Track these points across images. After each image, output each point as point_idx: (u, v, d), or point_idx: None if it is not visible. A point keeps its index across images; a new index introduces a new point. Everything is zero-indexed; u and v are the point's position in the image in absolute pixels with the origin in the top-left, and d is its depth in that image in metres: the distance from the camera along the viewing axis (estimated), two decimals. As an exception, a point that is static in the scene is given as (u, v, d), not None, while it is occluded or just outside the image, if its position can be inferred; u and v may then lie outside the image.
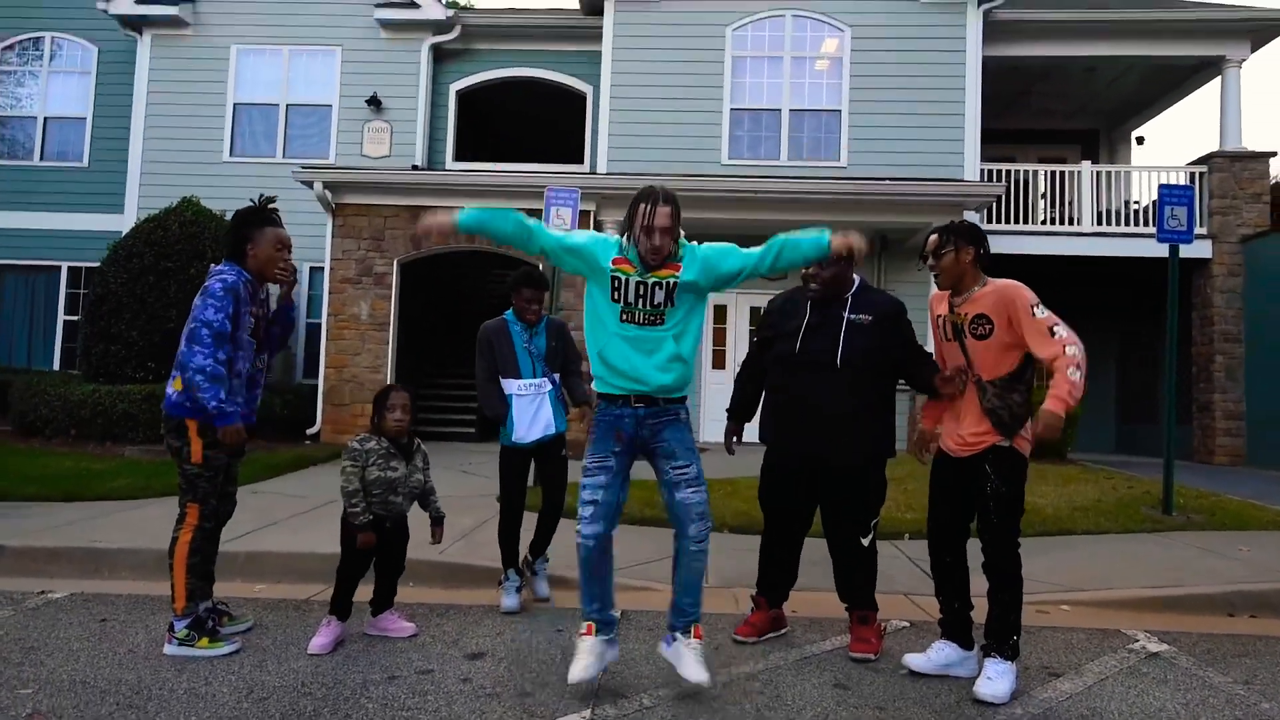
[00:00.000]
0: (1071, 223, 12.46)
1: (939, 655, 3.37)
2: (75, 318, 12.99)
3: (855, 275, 3.64)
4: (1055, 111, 15.14)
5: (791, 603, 3.89)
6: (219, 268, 3.48)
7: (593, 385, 3.20)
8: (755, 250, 3.11)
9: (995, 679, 3.14)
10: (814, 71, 12.02)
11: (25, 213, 13.28)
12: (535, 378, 4.19)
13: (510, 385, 4.17)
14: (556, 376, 4.31)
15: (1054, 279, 13.07)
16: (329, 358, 10.71)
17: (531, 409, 4.16)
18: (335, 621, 3.54)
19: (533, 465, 4.32)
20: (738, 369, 4.08)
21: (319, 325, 11.55)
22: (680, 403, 3.13)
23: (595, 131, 12.63)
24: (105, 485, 6.48)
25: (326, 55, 13.00)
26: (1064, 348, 3.07)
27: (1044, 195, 13.23)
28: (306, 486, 6.93)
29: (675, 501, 3.03)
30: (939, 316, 3.44)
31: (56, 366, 12.95)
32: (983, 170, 11.87)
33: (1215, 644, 3.89)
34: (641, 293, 2.99)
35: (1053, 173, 12.80)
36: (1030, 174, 12.66)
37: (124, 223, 12.49)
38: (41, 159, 13.55)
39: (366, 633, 3.65)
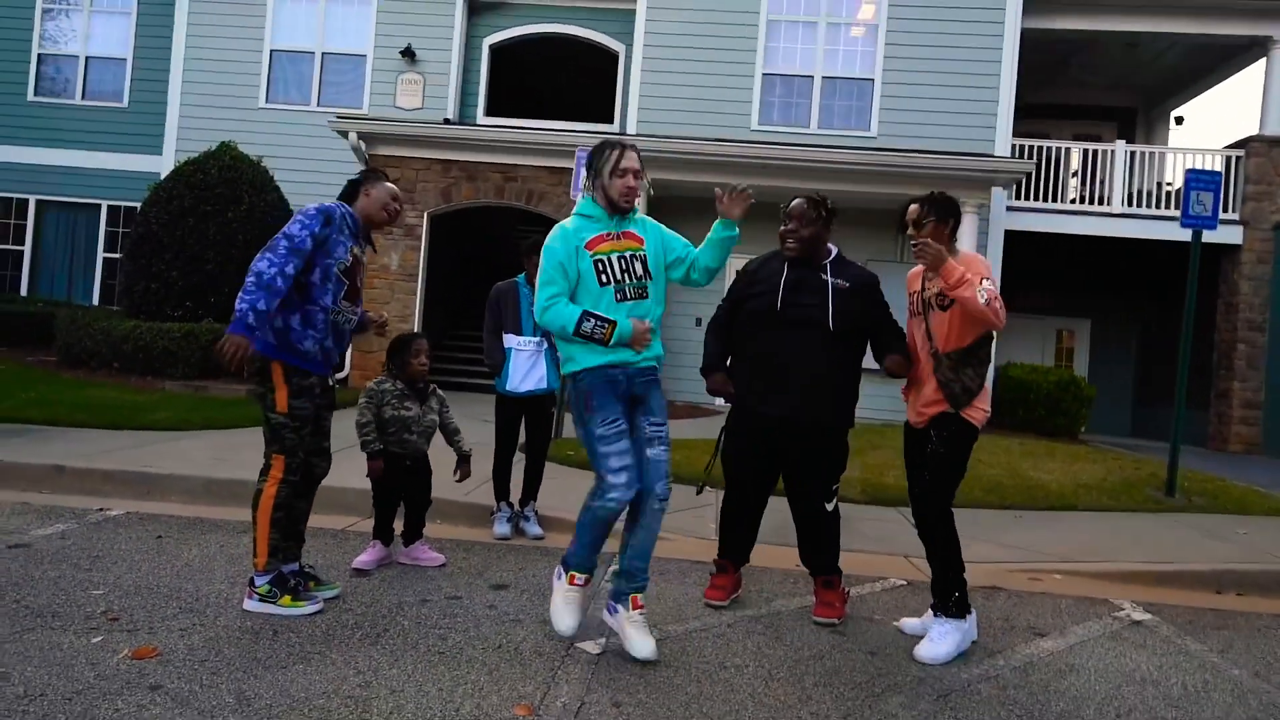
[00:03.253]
0: (1102, 202, 12.39)
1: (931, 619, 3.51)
2: (114, 255, 13.36)
3: (831, 246, 3.68)
4: (1093, 86, 14.92)
5: (794, 556, 4.10)
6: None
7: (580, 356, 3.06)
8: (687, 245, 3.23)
9: (936, 640, 3.24)
10: (849, 38, 11.93)
11: (66, 150, 13.58)
12: (535, 336, 4.60)
13: (511, 340, 4.62)
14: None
15: (1080, 257, 13.17)
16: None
17: (528, 364, 4.61)
18: (379, 544, 3.92)
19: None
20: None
21: (349, 273, 11.82)
22: (659, 365, 3.20)
23: (626, 91, 12.65)
24: (148, 416, 6.82)
25: (363, 4, 13.03)
26: (982, 285, 3.13)
27: (1075, 173, 13.14)
28: (339, 427, 7.21)
29: (645, 458, 3.04)
30: (913, 293, 3.53)
31: (96, 301, 13.34)
32: (1015, 146, 11.80)
33: (1197, 616, 4.09)
34: (624, 266, 3.04)
35: (1086, 151, 12.70)
36: (1063, 151, 12.56)
37: (162, 164, 12.73)
38: (83, 98, 13.79)
39: (399, 561, 3.95)
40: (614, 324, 2.97)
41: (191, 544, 4.01)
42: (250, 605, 3.16)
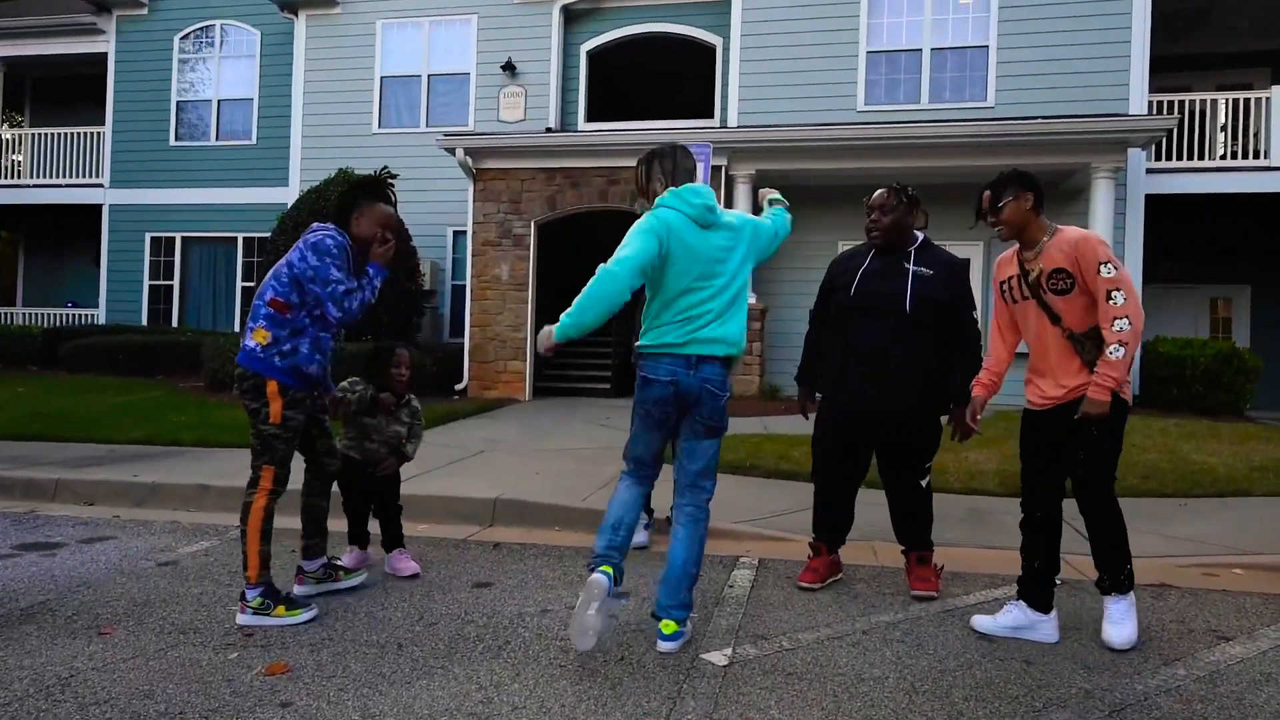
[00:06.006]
0: (1257, 156, 11.19)
1: (1007, 617, 3.24)
2: (250, 284, 14.30)
3: (917, 233, 3.73)
4: (1240, 31, 13.50)
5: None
6: (322, 225, 3.33)
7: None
8: None
9: (1120, 621, 3.10)
10: (958, 5, 11.28)
11: (205, 189, 14.67)
12: None
13: None
14: None
15: (1234, 218, 11.95)
16: (473, 317, 11.26)
17: None
18: (355, 549, 3.95)
19: None
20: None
21: (464, 286, 12.16)
22: None
23: (725, 84, 12.44)
24: (285, 434, 7.17)
25: (464, 24, 13.43)
26: (1112, 320, 2.98)
27: (1224, 127, 11.94)
28: (458, 438, 7.41)
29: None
30: (1007, 279, 3.31)
31: (235, 328, 14.31)
32: (1151, 102, 10.82)
33: None
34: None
35: (1234, 101, 11.50)
36: (1208, 104, 11.43)
37: (288, 195, 13.55)
38: (217, 139, 14.85)
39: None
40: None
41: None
42: (244, 619, 3.16)
